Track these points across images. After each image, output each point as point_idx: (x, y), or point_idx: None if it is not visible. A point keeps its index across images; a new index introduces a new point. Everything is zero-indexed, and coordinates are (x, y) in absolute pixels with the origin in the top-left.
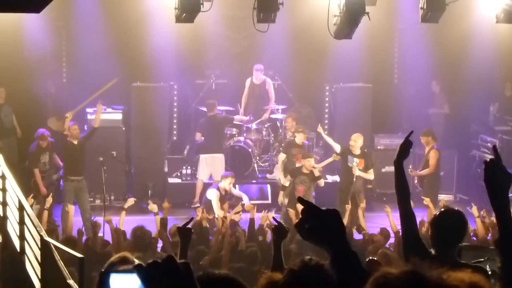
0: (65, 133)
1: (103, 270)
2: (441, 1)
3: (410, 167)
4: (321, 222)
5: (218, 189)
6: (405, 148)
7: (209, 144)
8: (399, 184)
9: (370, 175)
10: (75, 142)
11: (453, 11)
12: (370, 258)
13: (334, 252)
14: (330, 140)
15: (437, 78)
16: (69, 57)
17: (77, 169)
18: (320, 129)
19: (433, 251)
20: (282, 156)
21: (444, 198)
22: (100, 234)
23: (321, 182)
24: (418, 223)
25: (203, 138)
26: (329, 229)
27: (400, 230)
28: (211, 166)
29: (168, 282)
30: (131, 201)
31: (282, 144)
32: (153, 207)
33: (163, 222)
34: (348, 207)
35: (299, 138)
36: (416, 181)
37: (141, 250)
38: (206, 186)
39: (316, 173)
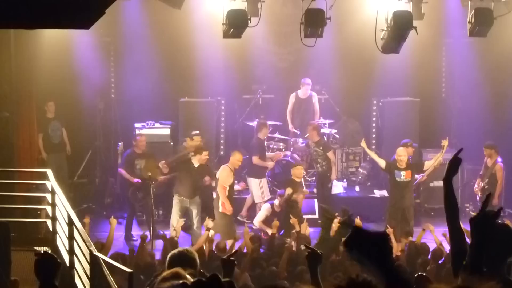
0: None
1: (148, 286)
2: (489, 15)
3: (478, 185)
4: (369, 245)
5: (273, 205)
6: (454, 165)
7: (259, 168)
8: (448, 201)
9: (436, 160)
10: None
11: (501, 24)
12: (419, 273)
13: (383, 275)
14: (374, 156)
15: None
16: (117, 72)
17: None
18: (363, 144)
19: (482, 268)
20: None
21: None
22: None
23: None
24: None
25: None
26: (376, 252)
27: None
28: (260, 188)
29: None
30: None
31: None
32: (208, 222)
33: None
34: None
35: None
36: (479, 196)
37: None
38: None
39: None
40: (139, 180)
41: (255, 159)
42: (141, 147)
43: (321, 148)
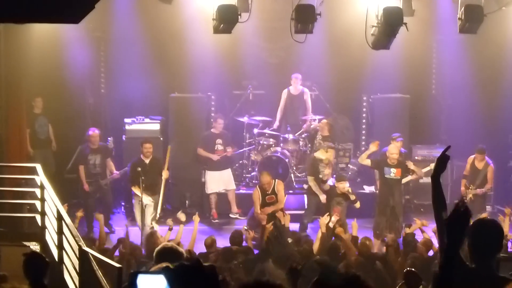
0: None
1: (132, 271)
2: (480, 12)
3: (464, 187)
4: None
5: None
6: (442, 162)
7: (220, 161)
8: (436, 198)
9: (420, 172)
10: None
11: (491, 21)
12: (408, 269)
13: None
14: (367, 162)
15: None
16: (107, 67)
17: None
18: (375, 146)
19: (471, 264)
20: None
21: None
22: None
23: (357, 205)
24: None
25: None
26: None
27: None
28: (221, 181)
29: (194, 284)
30: (182, 216)
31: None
32: (181, 216)
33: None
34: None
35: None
36: (469, 196)
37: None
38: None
39: (352, 197)
40: (86, 187)
41: (199, 150)
42: (95, 142)
43: (325, 143)
